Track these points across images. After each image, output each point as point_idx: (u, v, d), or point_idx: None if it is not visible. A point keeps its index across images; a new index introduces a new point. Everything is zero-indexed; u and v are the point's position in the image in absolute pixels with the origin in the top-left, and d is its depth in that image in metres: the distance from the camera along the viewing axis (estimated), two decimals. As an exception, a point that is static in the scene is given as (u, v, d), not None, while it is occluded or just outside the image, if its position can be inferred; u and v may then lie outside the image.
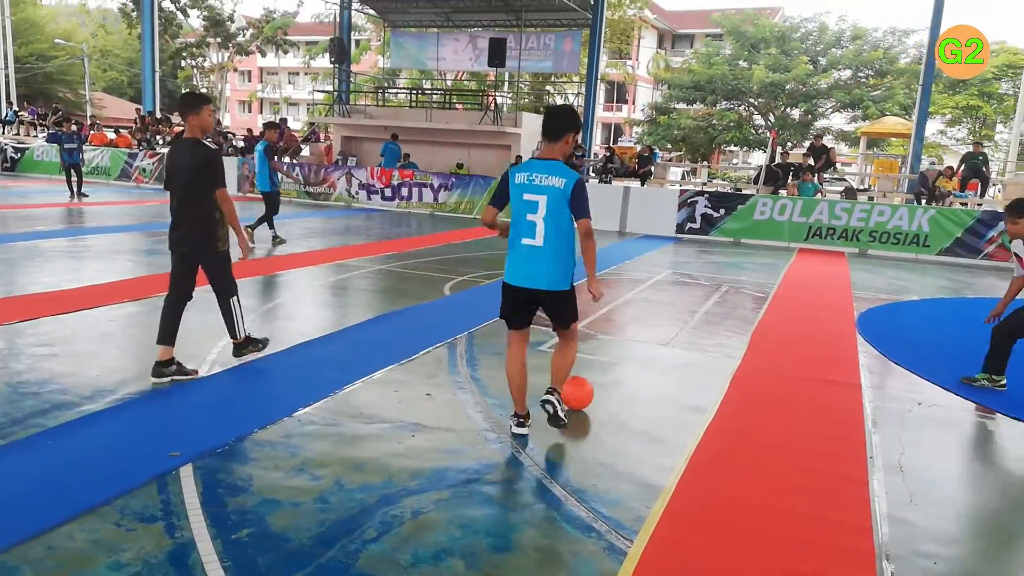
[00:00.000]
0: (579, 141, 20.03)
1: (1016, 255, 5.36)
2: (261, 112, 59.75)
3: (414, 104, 24.54)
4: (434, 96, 26.07)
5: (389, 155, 19.74)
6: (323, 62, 37.90)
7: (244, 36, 39.66)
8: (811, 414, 4.79)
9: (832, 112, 31.27)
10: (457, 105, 25.23)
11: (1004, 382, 5.37)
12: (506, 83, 27.91)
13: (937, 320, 8.41)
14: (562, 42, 23.06)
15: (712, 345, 6.53)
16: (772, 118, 31.29)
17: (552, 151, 3.94)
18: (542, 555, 2.94)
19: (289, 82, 60.66)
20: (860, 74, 29.92)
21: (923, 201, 16.00)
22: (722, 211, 14.91)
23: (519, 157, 19.81)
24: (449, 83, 31.00)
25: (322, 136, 24.49)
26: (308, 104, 50.82)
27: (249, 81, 61.63)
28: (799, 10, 78.10)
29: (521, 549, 2.97)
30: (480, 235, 14.08)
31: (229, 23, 38.45)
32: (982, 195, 17.80)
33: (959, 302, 9.56)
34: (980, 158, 18.02)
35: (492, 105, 21.02)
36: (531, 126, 21.46)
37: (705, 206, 15.11)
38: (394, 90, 30.28)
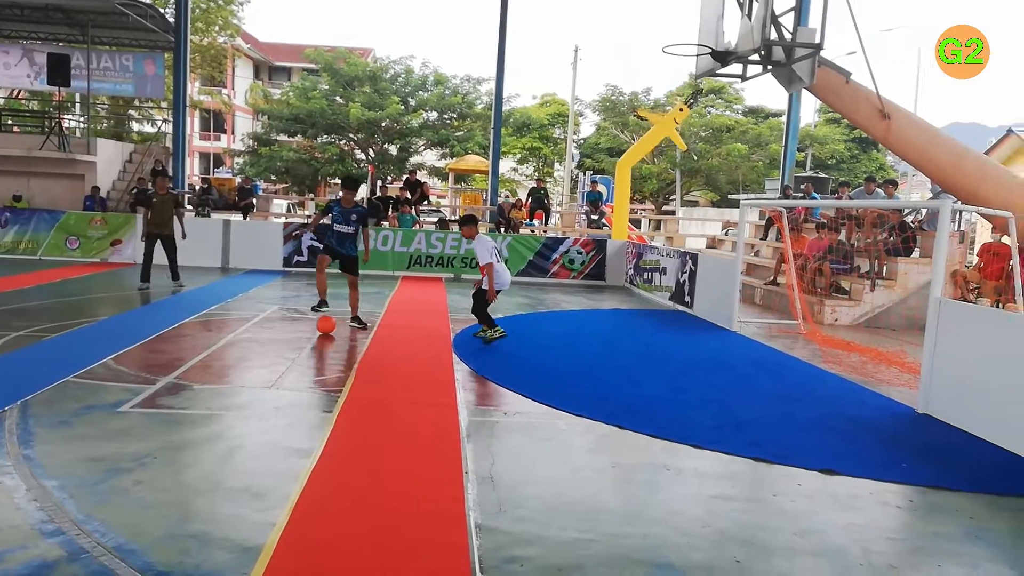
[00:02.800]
0: (166, 170, 18.40)
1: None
2: None
3: (-54, 124, 20.06)
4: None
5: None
6: None
7: None
8: (413, 439, 4.96)
9: (424, 149, 33.75)
10: (13, 128, 21.27)
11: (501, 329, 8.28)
12: (77, 105, 24.42)
13: (519, 334, 9.50)
14: (143, 64, 20.96)
15: (319, 381, 6.42)
16: (372, 153, 32.60)
17: None
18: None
19: None
20: (445, 116, 32.84)
21: (502, 229, 18.15)
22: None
23: (95, 188, 17.45)
24: (1, 101, 25.99)
25: None
26: None
27: None
28: (388, 51, 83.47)
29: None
30: (49, 279, 11.96)
31: None
32: (546, 223, 20.87)
33: (535, 316, 10.95)
34: (542, 192, 21.17)
35: (57, 128, 18.15)
36: (108, 153, 19.10)
37: (311, 239, 15.00)
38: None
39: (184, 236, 12.04)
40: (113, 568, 3.05)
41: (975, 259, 13.34)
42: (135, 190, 17.42)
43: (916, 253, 12.33)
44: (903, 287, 11.74)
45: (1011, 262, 8.50)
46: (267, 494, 3.93)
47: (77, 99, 23.17)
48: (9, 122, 21.91)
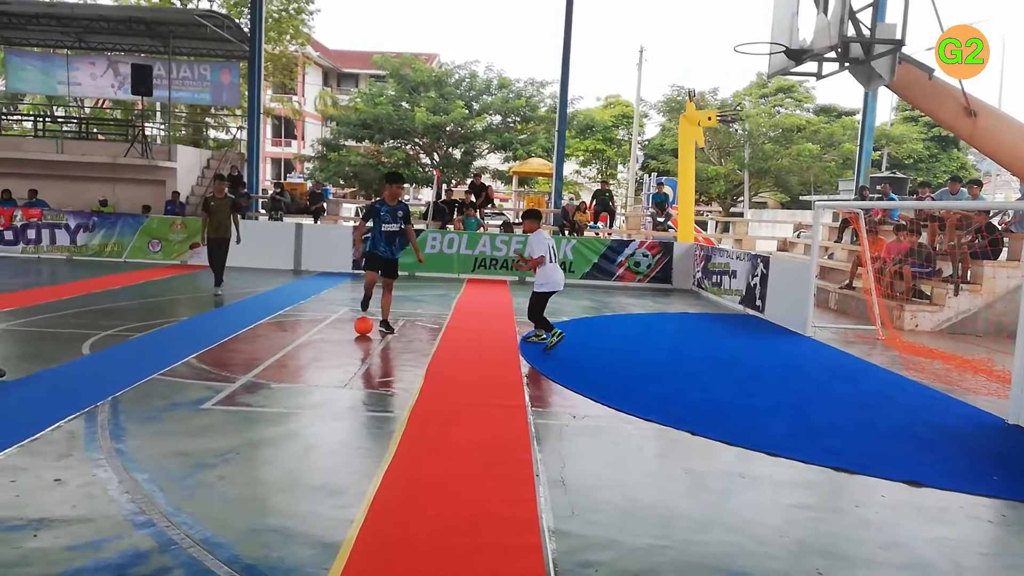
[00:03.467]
0: (241, 176, 18.99)
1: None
2: None
3: (40, 133, 21.21)
4: (67, 125, 22.81)
5: None
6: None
7: None
8: (483, 441, 5.00)
9: (488, 152, 33.95)
10: (98, 135, 22.36)
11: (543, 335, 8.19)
12: (157, 113, 25.53)
13: (584, 336, 9.45)
14: (219, 74, 21.79)
15: (390, 382, 6.53)
16: (436, 157, 33.00)
17: None
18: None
19: None
20: (508, 119, 32.98)
21: (566, 232, 18.09)
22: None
23: (176, 193, 18.18)
24: (87, 111, 27.38)
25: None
26: None
27: None
28: (453, 56, 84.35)
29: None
30: (133, 280, 12.53)
31: None
32: (611, 226, 20.70)
33: (600, 320, 10.88)
34: (607, 194, 21.03)
35: (140, 136, 19.00)
36: (187, 159, 19.90)
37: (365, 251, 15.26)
38: (16, 116, 25.89)
39: (239, 241, 11.85)
40: (201, 560, 3.17)
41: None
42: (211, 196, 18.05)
43: (1004, 256, 11.73)
44: (990, 291, 11.19)
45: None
46: (344, 492, 4.01)
47: (158, 108, 24.19)
48: (95, 130, 23.04)
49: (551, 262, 8.26)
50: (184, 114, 28.90)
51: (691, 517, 3.95)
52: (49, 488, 3.84)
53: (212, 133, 31.39)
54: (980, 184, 14.88)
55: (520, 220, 8.35)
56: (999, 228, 12.12)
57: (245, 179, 19.38)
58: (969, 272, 11.60)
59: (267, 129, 45.78)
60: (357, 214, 30.09)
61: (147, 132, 20.77)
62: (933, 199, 13.86)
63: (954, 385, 7.46)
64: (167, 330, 8.35)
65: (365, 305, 9.10)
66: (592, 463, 4.73)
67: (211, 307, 10.31)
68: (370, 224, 8.82)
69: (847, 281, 13.06)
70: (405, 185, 22.33)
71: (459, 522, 3.70)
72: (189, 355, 6.98)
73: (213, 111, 28.56)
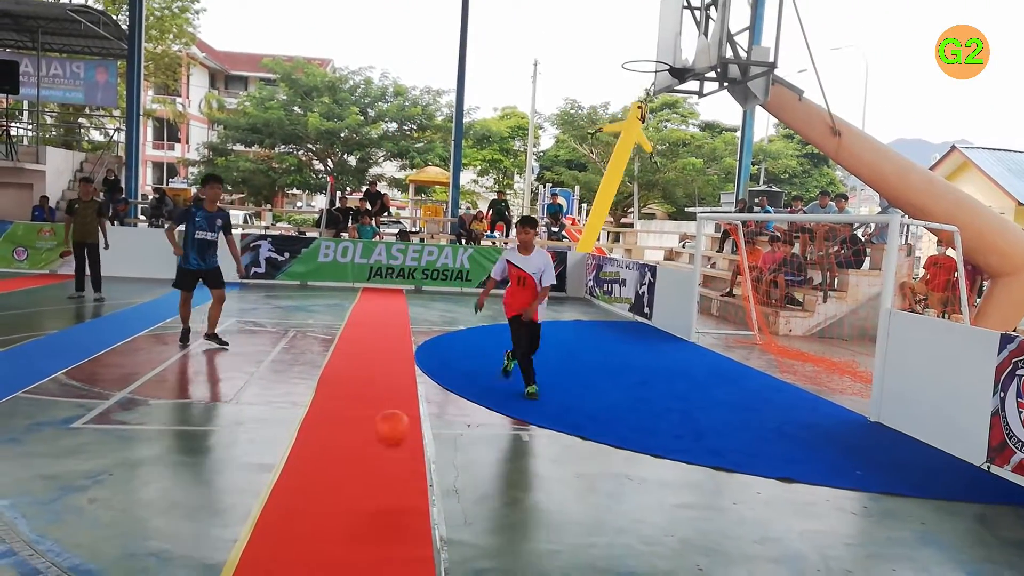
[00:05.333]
0: (119, 180, 17.95)
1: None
2: None
3: None
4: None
5: None
6: None
7: None
8: (376, 454, 4.92)
9: (384, 160, 33.55)
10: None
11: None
12: (25, 112, 23.76)
13: (479, 345, 9.50)
14: (94, 72, 20.54)
15: (280, 395, 6.33)
16: (331, 164, 32.31)
17: None
18: None
19: None
20: (405, 127, 32.74)
21: (463, 241, 18.15)
22: (287, 254, 14.79)
23: (44, 198, 16.97)
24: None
25: None
26: None
27: None
28: (347, 62, 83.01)
29: None
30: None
31: None
32: (507, 235, 20.93)
33: (498, 328, 10.95)
34: (503, 204, 21.25)
35: (5, 136, 17.63)
36: (58, 162, 18.64)
37: (269, 250, 14.81)
38: None
39: (107, 246, 11.34)
40: (69, 589, 2.97)
41: (922, 271, 13.78)
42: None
43: (866, 265, 12.70)
44: (854, 298, 12.07)
45: (956, 274, 8.82)
46: (228, 511, 3.86)
47: (25, 107, 22.53)
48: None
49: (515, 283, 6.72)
50: (55, 114, 27.05)
51: (582, 521, 4.04)
52: None
53: (91, 135, 29.49)
54: (846, 198, 16.06)
55: (527, 228, 6.70)
56: (862, 239, 13.11)
57: (123, 184, 18.33)
58: (836, 280, 12.48)
59: (148, 132, 43.47)
60: (246, 221, 29.03)
61: (12, 132, 19.30)
62: (805, 212, 14.83)
63: (823, 386, 7.99)
64: (32, 344, 7.76)
65: (184, 338, 8.07)
66: (486, 471, 4.76)
67: (83, 319, 9.68)
68: (182, 229, 7.98)
69: (728, 289, 13.76)
70: (321, 198, 21.55)
71: (349, 537, 3.63)
72: (57, 371, 6.52)
73: (88, 111, 26.85)
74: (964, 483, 5.05)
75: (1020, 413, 4.97)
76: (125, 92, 19.10)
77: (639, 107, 16.99)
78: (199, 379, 6.79)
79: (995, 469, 5.17)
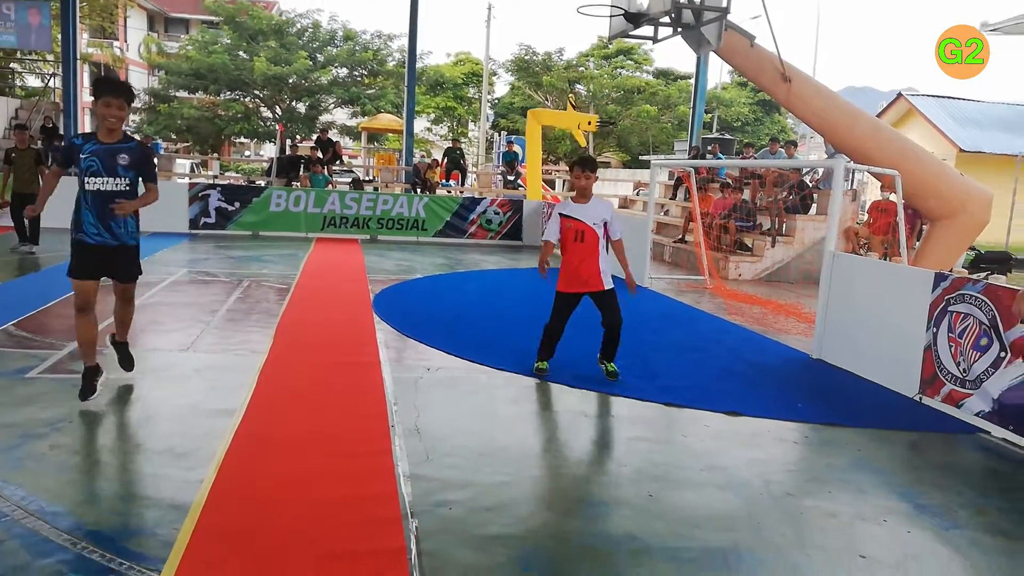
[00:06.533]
0: (57, 128, 17.24)
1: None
2: None
3: None
4: None
5: None
6: None
7: None
8: (338, 397, 5.01)
9: (335, 107, 32.80)
10: None
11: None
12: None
13: (437, 293, 9.56)
14: (26, 13, 19.52)
15: (237, 343, 6.33)
16: (279, 111, 31.46)
17: None
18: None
19: None
20: (355, 73, 31.96)
21: (418, 190, 18.01)
22: (237, 204, 14.50)
23: (-23, 147, 16.20)
24: None
25: None
26: None
27: None
28: (293, 4, 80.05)
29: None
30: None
31: None
32: (462, 184, 20.83)
33: (455, 276, 11.03)
34: (458, 152, 21.09)
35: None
36: (-10, 110, 17.76)
37: (219, 200, 14.48)
38: None
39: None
40: (37, 529, 3.01)
41: (865, 216, 14.22)
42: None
43: (813, 210, 13.05)
44: (800, 243, 12.43)
45: (896, 218, 9.16)
46: (191, 453, 3.91)
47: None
48: None
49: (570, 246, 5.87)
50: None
51: (540, 454, 4.21)
52: None
53: (26, 80, 28.08)
54: (795, 145, 16.36)
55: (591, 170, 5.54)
56: (809, 185, 13.43)
57: (61, 131, 17.61)
58: (784, 225, 12.82)
59: (84, 77, 41.54)
60: (193, 170, 28.14)
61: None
62: (756, 159, 15.08)
63: (769, 327, 8.30)
64: (-24, 297, 7.56)
65: (87, 386, 4.53)
66: (446, 411, 4.88)
67: (27, 271, 9.42)
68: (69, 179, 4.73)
69: (680, 235, 14.01)
70: (270, 147, 20.06)
71: (313, 477, 3.73)
72: (6, 322, 6.39)
73: (20, 55, 25.53)
74: (898, 413, 5.37)
75: (950, 347, 5.28)
76: (60, 35, 18.20)
77: (590, 123, 17.91)
78: (153, 328, 6.73)
79: (927, 400, 5.51)
